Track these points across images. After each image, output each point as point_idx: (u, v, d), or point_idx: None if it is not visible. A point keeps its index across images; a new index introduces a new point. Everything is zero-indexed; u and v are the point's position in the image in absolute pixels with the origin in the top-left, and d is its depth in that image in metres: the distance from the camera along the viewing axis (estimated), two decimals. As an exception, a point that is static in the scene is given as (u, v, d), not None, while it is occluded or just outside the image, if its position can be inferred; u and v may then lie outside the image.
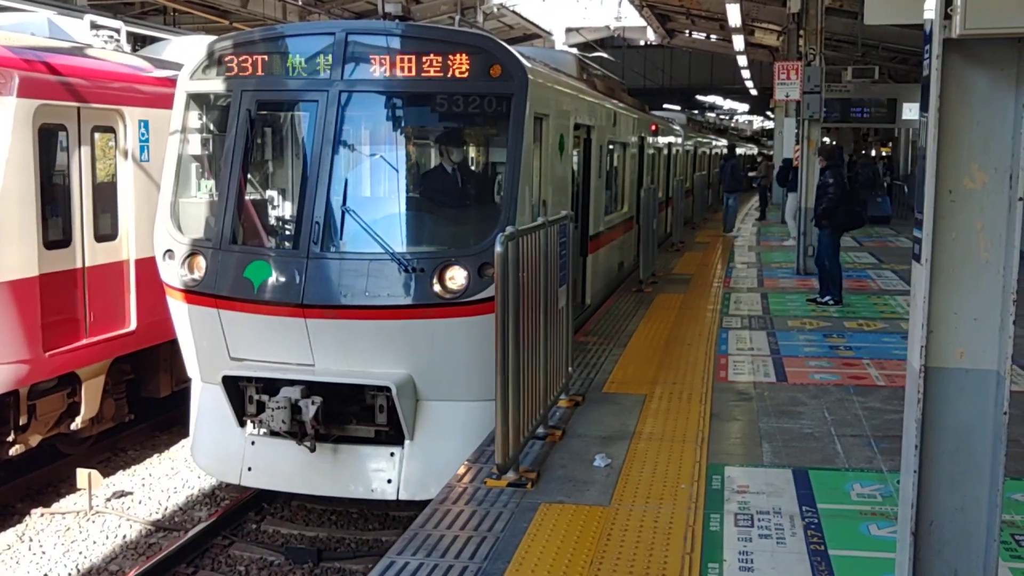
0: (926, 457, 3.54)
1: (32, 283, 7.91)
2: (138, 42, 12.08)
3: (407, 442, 7.15)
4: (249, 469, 7.39)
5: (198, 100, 7.86)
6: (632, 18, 32.69)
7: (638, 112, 15.63)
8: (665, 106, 33.14)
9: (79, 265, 8.54)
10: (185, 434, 8.66)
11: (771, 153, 29.01)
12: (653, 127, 17.26)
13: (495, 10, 27.07)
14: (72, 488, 8.59)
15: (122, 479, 9.13)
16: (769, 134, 48.04)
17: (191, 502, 8.55)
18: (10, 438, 8.10)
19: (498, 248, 5.38)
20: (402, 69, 7.26)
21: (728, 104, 51.21)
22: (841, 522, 5.21)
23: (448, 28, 8.75)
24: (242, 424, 7.40)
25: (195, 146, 7.96)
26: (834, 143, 19.35)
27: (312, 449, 7.08)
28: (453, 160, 7.87)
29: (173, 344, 8.42)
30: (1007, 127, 3.36)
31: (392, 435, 7.17)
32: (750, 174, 33.57)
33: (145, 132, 9.29)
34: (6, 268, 7.68)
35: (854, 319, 11.30)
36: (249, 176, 7.75)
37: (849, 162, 25.57)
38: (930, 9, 3.36)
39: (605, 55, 26.90)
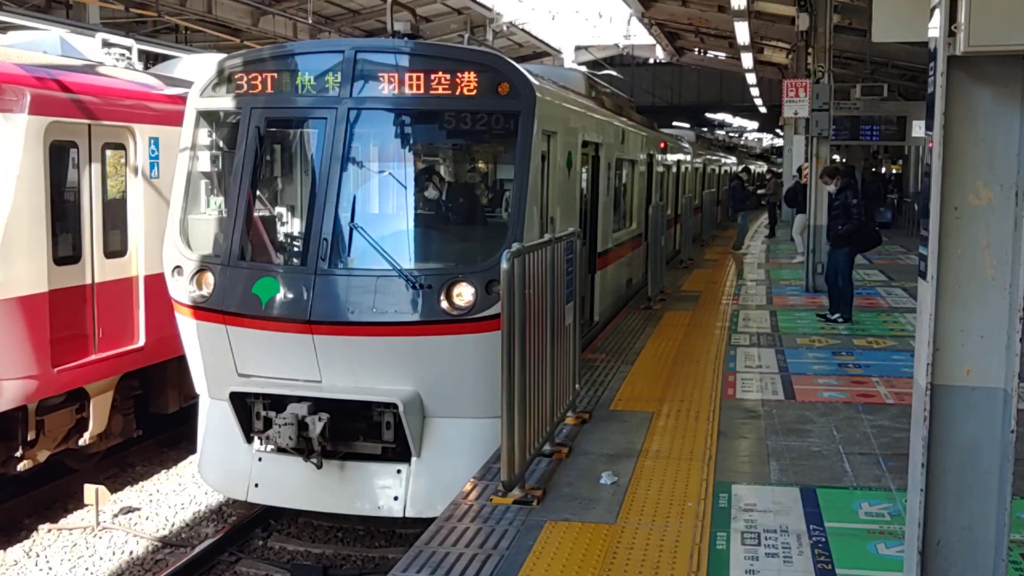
0: (933, 475, 3.52)
1: (41, 299, 7.95)
2: (150, 60, 12.18)
3: (414, 459, 7.14)
4: (256, 485, 7.39)
5: (208, 117, 7.90)
6: (641, 36, 32.77)
7: (647, 129, 15.65)
8: (674, 124, 33.22)
9: (88, 281, 8.58)
10: (193, 450, 8.66)
11: (780, 171, 29.01)
12: (662, 144, 17.28)
13: (505, 28, 27.19)
14: (79, 504, 8.60)
15: (129, 495, 9.13)
16: (778, 152, 48.04)
17: (198, 518, 8.55)
18: (18, 453, 8.12)
19: (504, 265, 5.38)
20: (410, 87, 7.29)
21: (737, 122, 51.27)
22: (848, 541, 5.17)
23: (456, 46, 8.80)
24: (249, 440, 7.40)
25: (205, 163, 8.00)
26: (843, 161, 19.31)
27: (319, 466, 7.08)
28: (460, 177, 7.89)
29: (181, 360, 8.43)
30: (1012, 144, 3.35)
31: (399, 452, 7.16)
32: (759, 191, 33.50)
33: (155, 149, 9.34)
34: (16, 284, 7.72)
35: (863, 336, 11.26)
36: (258, 193, 7.79)
37: (862, 183, 25.66)
38: (935, 27, 3.37)
39: (614, 73, 27.02)
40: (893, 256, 20.77)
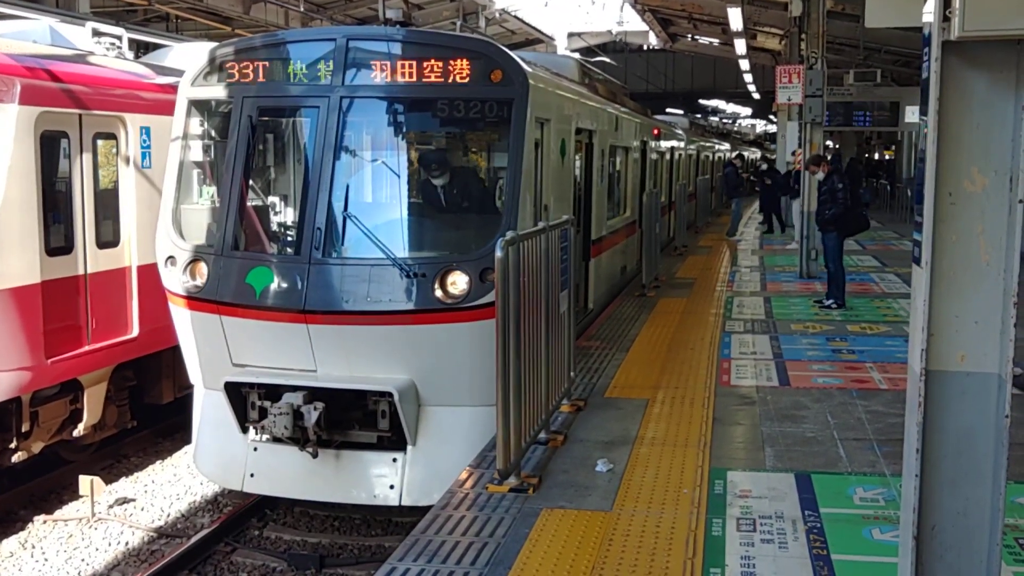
0: (928, 461, 3.52)
1: (34, 290, 7.92)
2: (140, 49, 12.11)
3: (409, 448, 7.14)
4: (251, 475, 7.40)
5: (199, 106, 7.87)
6: (634, 22, 32.68)
7: (640, 116, 15.62)
8: (668, 110, 33.16)
9: (81, 272, 8.55)
10: (188, 440, 8.66)
11: (774, 157, 29.02)
12: (655, 131, 17.25)
13: (497, 15, 27.09)
14: (74, 495, 8.58)
15: (124, 486, 9.13)
16: (772, 138, 48.00)
17: (193, 508, 8.55)
18: (12, 445, 8.10)
19: (498, 253, 5.37)
20: (403, 74, 7.27)
21: (731, 108, 51.21)
22: (843, 526, 5.19)
23: (449, 33, 8.77)
24: (244, 430, 7.40)
25: (197, 152, 7.97)
26: (836, 147, 19.31)
27: (314, 455, 7.08)
28: (454, 165, 7.87)
29: (175, 350, 8.42)
30: (1007, 130, 3.34)
31: (394, 441, 7.16)
32: (752, 178, 33.51)
33: (147, 139, 9.30)
34: (8, 275, 7.69)
35: (857, 322, 11.28)
36: (251, 182, 7.76)
37: (848, 166, 25.75)
38: (929, 12, 3.35)
39: (607, 59, 26.90)
40: (886, 242, 20.80)
